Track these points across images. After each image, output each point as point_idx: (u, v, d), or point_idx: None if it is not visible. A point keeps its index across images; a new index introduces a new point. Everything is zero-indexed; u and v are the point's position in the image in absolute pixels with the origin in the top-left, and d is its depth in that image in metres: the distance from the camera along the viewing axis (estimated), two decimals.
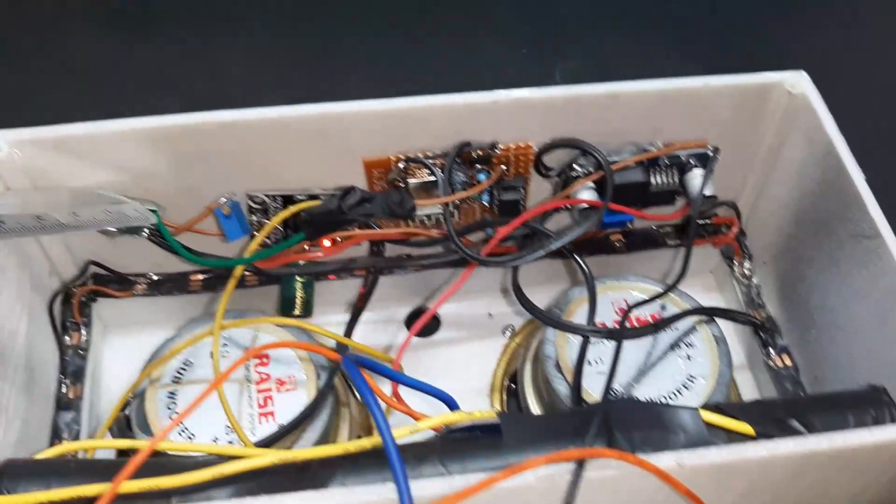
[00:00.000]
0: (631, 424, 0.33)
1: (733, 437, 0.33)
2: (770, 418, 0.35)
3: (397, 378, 0.35)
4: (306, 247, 0.41)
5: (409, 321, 0.48)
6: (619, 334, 0.37)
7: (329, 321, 0.46)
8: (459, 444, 0.33)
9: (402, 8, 0.67)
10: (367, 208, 0.36)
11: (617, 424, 0.33)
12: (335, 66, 0.63)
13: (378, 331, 0.47)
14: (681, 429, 0.33)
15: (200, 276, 0.44)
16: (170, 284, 0.44)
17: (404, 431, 0.31)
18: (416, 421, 0.32)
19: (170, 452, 0.34)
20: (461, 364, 0.46)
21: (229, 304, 0.41)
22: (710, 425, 0.33)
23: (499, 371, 0.46)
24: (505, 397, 0.45)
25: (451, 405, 0.34)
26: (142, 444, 0.30)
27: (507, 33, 0.66)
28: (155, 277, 0.44)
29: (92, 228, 0.37)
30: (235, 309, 0.41)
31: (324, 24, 0.66)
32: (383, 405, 0.41)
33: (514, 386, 0.45)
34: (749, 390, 0.46)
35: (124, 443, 0.35)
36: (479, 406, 0.44)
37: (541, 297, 0.48)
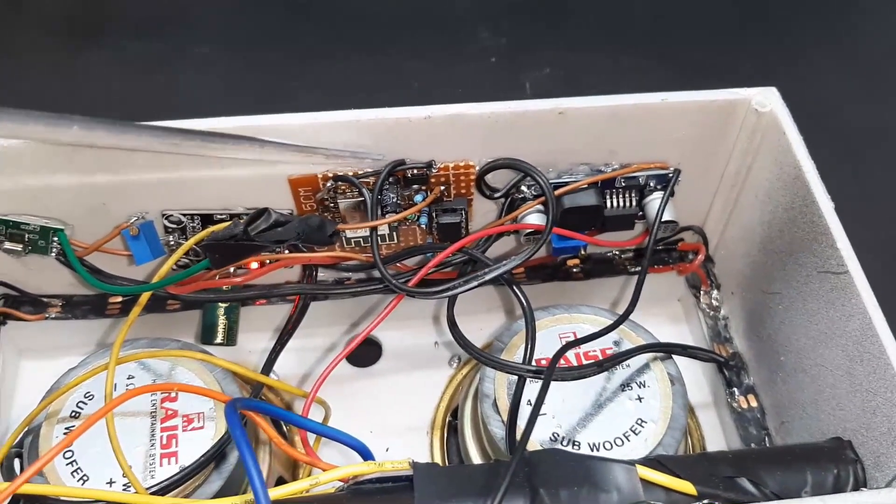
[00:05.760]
0: (558, 481, 0.30)
1: (673, 497, 0.31)
2: (717, 476, 0.31)
3: (299, 424, 0.31)
4: (232, 270, 0.38)
5: None
6: (547, 375, 0.34)
7: (255, 348, 0.43)
8: (366, 499, 0.30)
9: (370, 21, 0.64)
10: (278, 233, 0.32)
11: (542, 481, 0.30)
12: (296, 81, 0.60)
13: (309, 359, 0.43)
14: (614, 487, 0.30)
15: (119, 299, 0.41)
16: (86, 307, 0.41)
17: (303, 486, 0.29)
18: (321, 472, 0.29)
19: (52, 497, 0.31)
20: (402, 398, 0.43)
21: (146, 332, 0.38)
22: (647, 483, 0.30)
23: (441, 406, 0.43)
24: (446, 435, 0.42)
25: (364, 454, 0.31)
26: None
27: (478, 43, 0.63)
28: (70, 300, 0.41)
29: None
30: (149, 337, 0.38)
31: (291, 39, 0.63)
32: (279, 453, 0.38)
33: (456, 422, 0.41)
34: (713, 432, 0.43)
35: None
36: (416, 446, 0.41)
37: (489, 326, 0.45)
